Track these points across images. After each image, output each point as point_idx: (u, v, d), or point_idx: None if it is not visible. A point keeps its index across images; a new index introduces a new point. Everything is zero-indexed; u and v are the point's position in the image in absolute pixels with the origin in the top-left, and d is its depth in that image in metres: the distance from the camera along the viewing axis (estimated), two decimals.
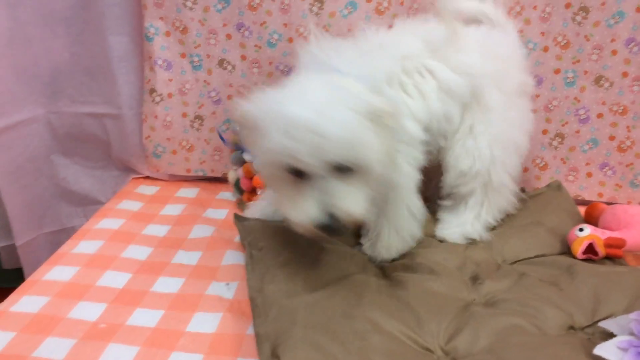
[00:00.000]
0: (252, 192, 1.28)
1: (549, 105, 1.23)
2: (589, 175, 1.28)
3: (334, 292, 0.90)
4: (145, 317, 0.92)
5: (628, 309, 0.86)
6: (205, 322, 0.90)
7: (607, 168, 1.26)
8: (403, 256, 1.02)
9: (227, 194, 1.34)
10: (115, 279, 1.01)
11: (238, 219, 1.12)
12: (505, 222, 1.11)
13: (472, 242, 1.06)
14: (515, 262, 1.02)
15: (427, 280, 0.93)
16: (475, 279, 0.96)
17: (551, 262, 1.00)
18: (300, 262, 0.97)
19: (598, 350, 0.73)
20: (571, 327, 0.85)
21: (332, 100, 0.77)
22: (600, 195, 1.28)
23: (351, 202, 0.78)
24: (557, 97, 1.22)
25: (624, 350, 0.71)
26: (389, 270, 0.99)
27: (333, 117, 0.75)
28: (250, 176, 1.27)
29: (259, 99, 0.82)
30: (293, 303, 0.87)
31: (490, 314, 0.85)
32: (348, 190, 0.79)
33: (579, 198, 1.28)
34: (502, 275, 0.96)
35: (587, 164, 1.27)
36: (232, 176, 1.31)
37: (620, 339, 0.72)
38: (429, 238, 1.07)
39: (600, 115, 1.22)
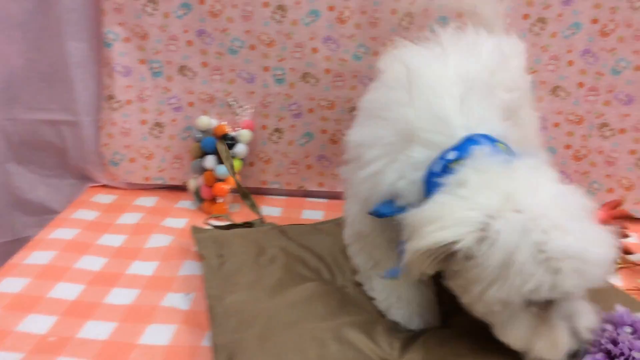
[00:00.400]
0: (213, 200, 1.26)
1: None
2: None
3: (296, 300, 0.88)
4: (96, 330, 0.89)
5: None
6: (159, 334, 0.88)
7: (563, 176, 1.28)
8: None
9: (187, 203, 1.31)
10: (67, 291, 0.98)
11: (196, 230, 1.10)
12: None
13: None
14: None
15: None
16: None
17: None
18: (263, 270, 0.96)
19: None
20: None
21: (575, 213, 0.67)
22: None
23: (591, 316, 0.71)
24: None
25: None
26: (351, 277, 0.97)
27: (588, 235, 0.65)
28: (210, 184, 1.25)
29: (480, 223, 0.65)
30: (253, 312, 0.85)
31: (442, 330, 0.85)
32: (584, 306, 0.70)
33: None
34: None
35: None
36: (192, 184, 1.29)
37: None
38: None
39: (556, 124, 1.24)
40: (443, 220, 0.66)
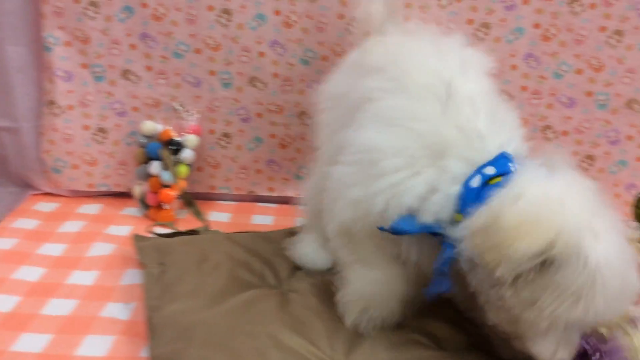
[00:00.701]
0: (159, 207, 1.24)
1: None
2: None
3: (237, 308, 0.87)
4: (31, 343, 0.86)
5: None
6: (96, 346, 0.86)
7: None
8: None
9: (132, 210, 1.28)
10: (1, 303, 0.94)
11: (137, 238, 1.07)
12: None
13: None
14: None
15: (330, 294, 0.91)
16: None
17: None
18: (205, 278, 0.94)
19: None
20: (471, 345, 0.84)
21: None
22: None
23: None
24: None
25: None
26: (297, 284, 0.97)
27: (630, 271, 0.66)
28: (156, 190, 1.23)
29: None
30: (192, 322, 0.83)
31: (390, 329, 0.85)
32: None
33: None
34: None
35: None
36: (137, 191, 1.26)
37: None
38: None
39: None
40: (548, 224, 0.63)
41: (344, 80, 0.96)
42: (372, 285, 0.86)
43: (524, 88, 1.23)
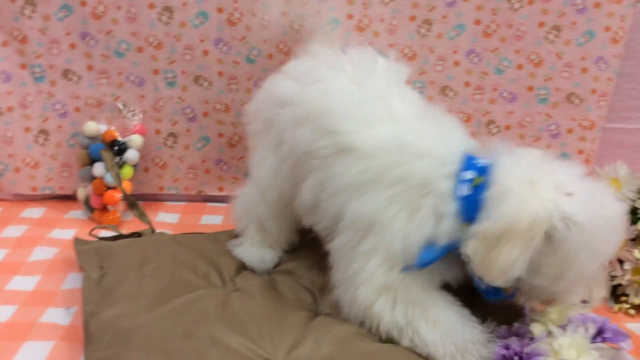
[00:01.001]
0: (104, 209, 1.22)
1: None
2: None
3: (177, 310, 0.85)
4: None
5: None
6: (34, 352, 0.84)
7: None
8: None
9: (78, 213, 1.26)
10: None
11: (78, 242, 1.05)
12: None
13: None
14: None
15: (275, 290, 0.93)
16: (322, 289, 0.95)
17: None
18: (146, 280, 0.93)
19: None
20: None
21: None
22: None
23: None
24: None
25: None
26: (242, 283, 0.96)
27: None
28: (101, 192, 1.20)
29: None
30: (130, 326, 0.81)
31: (334, 323, 0.85)
32: None
33: None
34: None
35: None
36: (81, 193, 1.24)
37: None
38: None
39: None
40: (525, 212, 0.69)
41: (267, 107, 0.97)
42: (450, 325, 0.80)
43: (467, 84, 1.25)
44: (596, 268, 0.75)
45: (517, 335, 0.77)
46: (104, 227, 1.14)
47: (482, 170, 0.76)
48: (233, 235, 1.08)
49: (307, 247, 1.05)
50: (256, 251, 1.03)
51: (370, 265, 0.80)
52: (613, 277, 1.02)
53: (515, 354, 0.73)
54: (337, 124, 0.84)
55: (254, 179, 1.01)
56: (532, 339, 0.75)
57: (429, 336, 0.78)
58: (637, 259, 1.00)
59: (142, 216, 1.17)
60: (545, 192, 0.71)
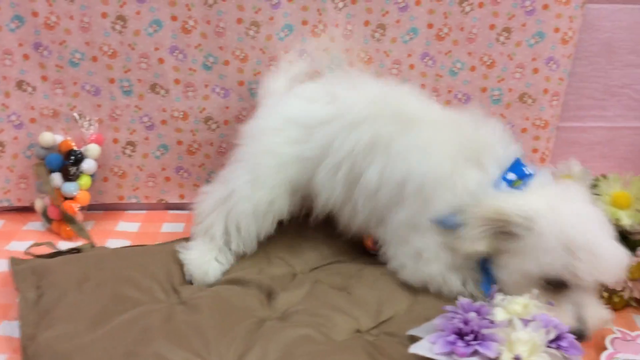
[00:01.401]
0: (62, 220, 1.20)
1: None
2: None
3: (119, 329, 0.83)
4: None
5: (409, 308, 0.92)
6: None
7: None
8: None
9: (36, 224, 1.25)
10: None
11: (14, 262, 1.01)
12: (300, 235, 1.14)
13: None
14: (312, 270, 1.04)
15: (221, 301, 0.90)
16: (270, 294, 0.95)
17: (345, 268, 1.03)
18: (86, 298, 0.89)
19: (413, 349, 0.75)
20: (357, 331, 0.87)
21: (600, 218, 0.87)
22: None
23: (599, 309, 0.86)
24: None
25: (434, 343, 0.74)
26: (187, 295, 0.94)
27: (608, 241, 0.84)
28: (58, 203, 1.19)
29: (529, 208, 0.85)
30: (69, 348, 0.79)
31: (281, 328, 0.85)
32: (594, 299, 0.86)
33: None
34: (296, 286, 0.97)
35: None
36: (39, 205, 1.23)
37: (431, 335, 0.75)
38: None
39: None
40: (508, 203, 0.86)
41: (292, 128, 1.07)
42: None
43: (422, 86, 1.26)
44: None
45: (478, 312, 0.76)
46: (39, 245, 1.08)
47: (523, 176, 0.93)
48: (178, 245, 1.07)
49: (255, 254, 1.06)
50: (203, 263, 1.02)
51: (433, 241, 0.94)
52: None
53: (472, 331, 0.72)
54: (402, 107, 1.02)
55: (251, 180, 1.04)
56: (492, 322, 0.75)
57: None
58: None
59: (80, 231, 1.13)
60: (536, 201, 0.86)
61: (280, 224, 1.09)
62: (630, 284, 0.99)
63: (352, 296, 0.93)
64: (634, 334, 0.89)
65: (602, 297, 0.96)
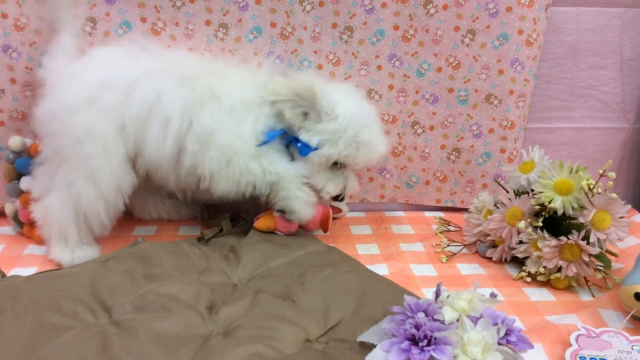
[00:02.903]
0: (34, 223, 1.20)
1: None
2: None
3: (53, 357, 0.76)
4: None
5: (356, 310, 0.91)
6: None
7: (385, 172, 1.37)
8: (134, 292, 0.93)
9: (6, 229, 1.24)
10: None
11: None
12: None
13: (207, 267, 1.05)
14: (251, 279, 1.01)
15: (159, 320, 0.84)
16: (211, 308, 0.90)
17: (284, 273, 1.02)
18: (5, 332, 0.81)
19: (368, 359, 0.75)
20: (307, 340, 0.85)
21: (377, 117, 1.16)
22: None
23: (354, 181, 1.20)
24: None
25: (388, 351, 0.74)
26: (118, 314, 0.87)
27: (378, 135, 1.13)
28: (29, 207, 1.19)
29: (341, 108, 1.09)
30: None
31: (228, 345, 0.80)
32: (353, 175, 1.19)
33: None
34: (238, 298, 0.93)
35: None
36: (9, 209, 1.23)
37: (383, 343, 0.75)
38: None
39: None
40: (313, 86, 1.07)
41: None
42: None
43: (390, 87, 1.29)
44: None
45: (425, 312, 0.76)
46: None
47: None
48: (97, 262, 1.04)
49: (180, 267, 1.02)
50: (68, 253, 1.08)
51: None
52: (512, 249, 1.14)
53: (425, 336, 0.73)
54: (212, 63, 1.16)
55: (88, 182, 1.05)
56: (442, 322, 0.76)
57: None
58: (530, 233, 1.09)
59: None
60: (335, 93, 1.11)
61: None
62: (564, 264, 1.05)
63: (296, 304, 0.91)
64: (598, 330, 0.90)
65: (542, 274, 1.09)
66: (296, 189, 1.11)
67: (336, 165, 1.13)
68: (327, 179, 1.14)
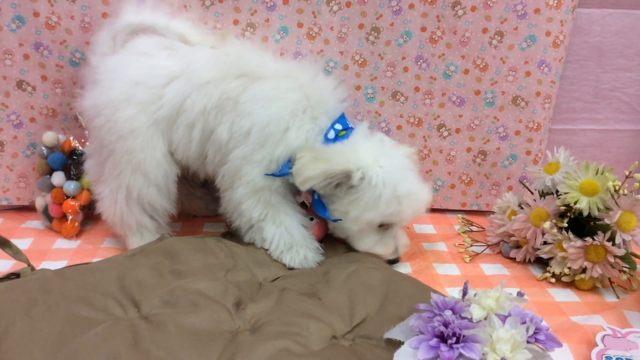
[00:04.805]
0: (63, 218, 1.22)
1: (356, 118, 1.31)
2: None
3: (83, 352, 0.76)
4: None
5: (381, 307, 0.91)
6: None
7: None
8: (162, 287, 0.93)
9: (35, 223, 1.26)
10: None
11: None
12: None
13: (234, 265, 1.04)
14: (276, 278, 1.02)
15: (187, 315, 0.84)
16: (238, 305, 0.90)
17: (309, 272, 1.03)
18: (38, 325, 0.81)
19: (396, 357, 0.75)
20: (333, 337, 0.85)
21: (411, 167, 1.07)
22: None
23: (405, 238, 1.13)
24: (361, 112, 1.30)
25: (416, 348, 0.75)
26: (147, 308, 0.87)
27: (418, 184, 1.05)
28: (60, 202, 1.21)
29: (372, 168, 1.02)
30: None
31: (256, 341, 0.80)
32: (402, 232, 1.13)
33: None
34: (264, 295, 0.94)
35: None
36: (40, 203, 1.25)
37: (411, 340, 0.75)
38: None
39: (399, 127, 1.32)
40: (342, 158, 1.00)
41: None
42: (282, 241, 1.09)
43: (416, 89, 1.29)
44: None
45: (452, 310, 0.76)
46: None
47: (347, 128, 1.06)
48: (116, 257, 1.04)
49: (207, 265, 1.02)
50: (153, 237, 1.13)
51: (255, 171, 1.04)
52: (536, 249, 1.14)
53: (454, 334, 0.73)
54: (244, 65, 1.06)
55: (135, 172, 1.06)
56: (470, 320, 0.76)
57: (269, 233, 1.08)
58: (555, 234, 1.09)
59: (17, 254, 1.02)
60: (364, 156, 1.02)
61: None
62: (589, 265, 1.06)
63: (322, 302, 0.92)
64: (624, 331, 0.90)
65: (566, 275, 1.09)
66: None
67: (383, 227, 1.08)
68: (375, 242, 1.09)
